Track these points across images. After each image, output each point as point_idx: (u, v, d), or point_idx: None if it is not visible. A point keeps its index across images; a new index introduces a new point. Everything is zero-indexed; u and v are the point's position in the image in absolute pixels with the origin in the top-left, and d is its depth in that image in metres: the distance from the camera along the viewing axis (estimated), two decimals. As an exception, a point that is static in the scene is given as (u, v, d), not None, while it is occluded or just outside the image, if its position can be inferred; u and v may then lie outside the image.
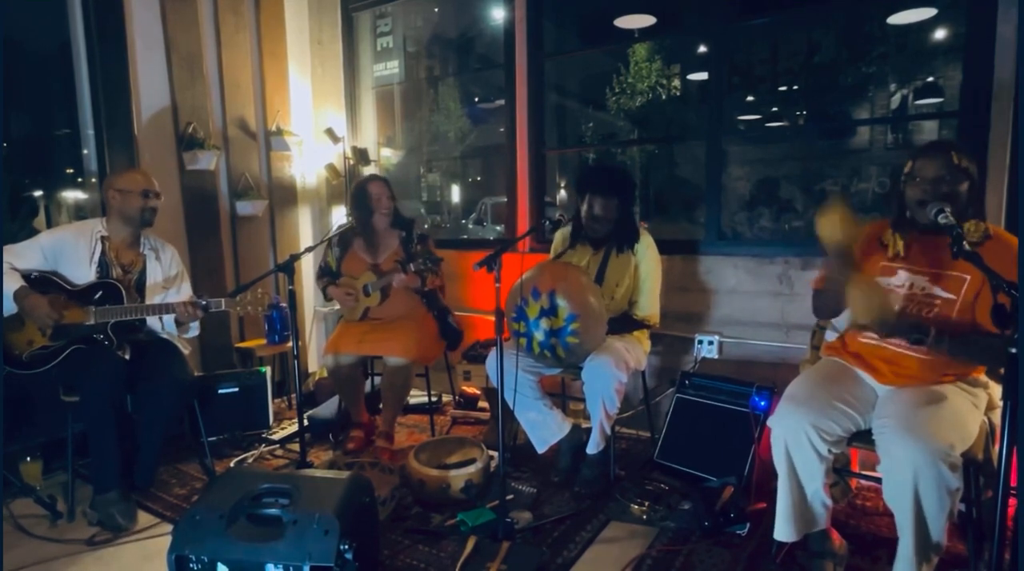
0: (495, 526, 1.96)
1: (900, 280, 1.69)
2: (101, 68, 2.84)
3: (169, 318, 2.34)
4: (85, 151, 2.95)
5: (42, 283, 2.20)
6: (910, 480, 1.43)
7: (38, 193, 3.12)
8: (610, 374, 2.17)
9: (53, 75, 3.02)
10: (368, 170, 3.88)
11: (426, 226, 2.89)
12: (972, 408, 1.62)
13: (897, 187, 1.72)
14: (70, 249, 2.27)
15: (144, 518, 2.19)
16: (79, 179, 3.07)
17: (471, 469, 2.23)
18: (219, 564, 1.52)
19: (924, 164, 1.60)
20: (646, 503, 2.17)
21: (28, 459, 2.39)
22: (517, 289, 2.25)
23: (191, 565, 1.53)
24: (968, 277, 1.59)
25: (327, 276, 2.89)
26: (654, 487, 2.32)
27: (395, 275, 2.61)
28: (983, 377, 1.72)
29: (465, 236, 6.51)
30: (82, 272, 2.27)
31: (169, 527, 2.09)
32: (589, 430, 2.33)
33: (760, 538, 1.92)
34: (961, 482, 1.44)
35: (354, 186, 2.91)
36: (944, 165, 1.57)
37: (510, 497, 2.21)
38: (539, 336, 2.22)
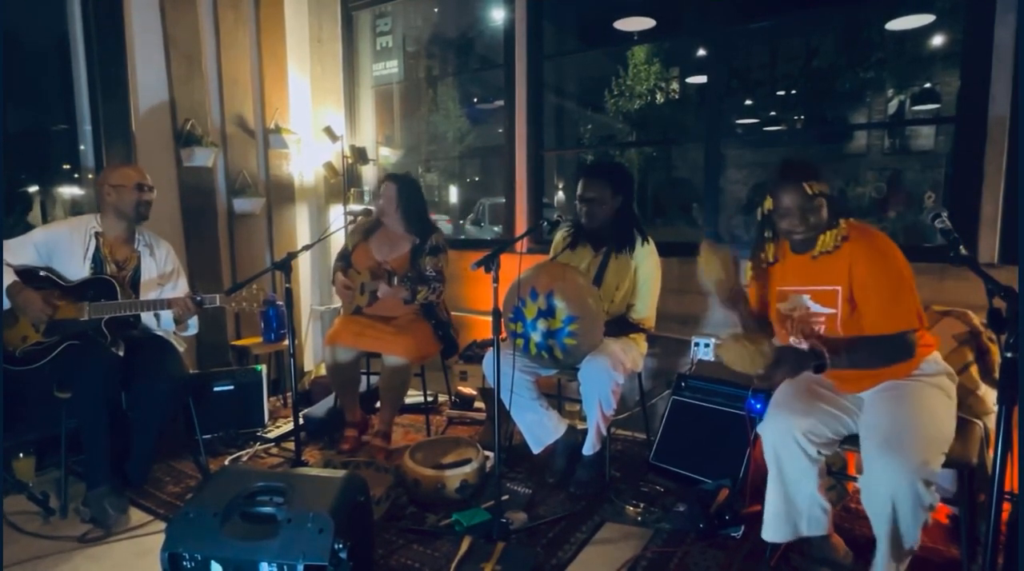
0: (490, 526, 1.95)
1: (791, 305, 1.75)
2: (99, 63, 2.83)
3: (168, 316, 2.32)
4: (82, 147, 2.94)
5: (36, 279, 2.19)
6: (888, 497, 1.46)
7: (34, 188, 3.11)
8: (607, 376, 2.17)
9: (50, 69, 3.01)
10: (366, 170, 3.89)
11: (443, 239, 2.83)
12: (946, 402, 1.63)
13: (759, 219, 1.79)
14: (64, 245, 2.26)
15: (137, 515, 2.18)
16: (75, 175, 3.06)
17: (467, 469, 2.23)
18: (213, 562, 1.52)
19: (785, 199, 1.65)
20: (641, 505, 2.17)
21: (21, 455, 2.37)
22: (514, 289, 2.25)
23: (184, 563, 1.53)
24: (839, 288, 1.65)
25: (343, 260, 2.88)
26: (649, 489, 2.32)
27: (380, 284, 2.58)
28: (941, 364, 1.71)
29: (463, 236, 6.51)
30: (76, 268, 2.26)
31: (162, 525, 2.08)
32: (585, 431, 2.34)
33: (755, 540, 1.92)
34: (936, 498, 1.47)
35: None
36: (802, 197, 1.63)
37: (505, 498, 2.20)
38: (536, 337, 2.22)
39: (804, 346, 1.65)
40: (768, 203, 1.70)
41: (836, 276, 1.65)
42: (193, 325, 2.41)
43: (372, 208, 2.90)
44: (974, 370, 1.80)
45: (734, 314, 1.88)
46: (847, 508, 2.15)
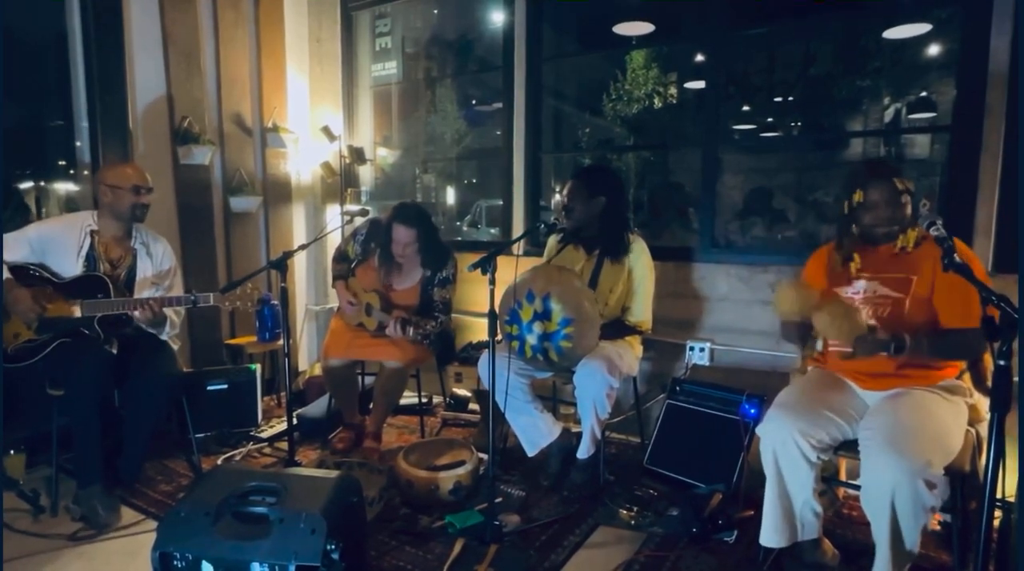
0: (483, 529, 1.95)
1: (857, 288, 1.79)
2: (97, 60, 2.82)
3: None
4: (78, 143, 2.93)
5: (28, 276, 2.17)
6: (888, 494, 1.47)
7: (28, 184, 3.09)
8: (602, 379, 2.17)
9: (48, 65, 3.00)
10: (364, 170, 3.87)
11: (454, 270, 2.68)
12: (956, 419, 1.64)
13: (845, 211, 1.80)
14: (58, 242, 2.25)
15: (128, 514, 2.17)
16: (71, 171, 3.05)
17: (460, 471, 2.23)
18: (204, 562, 1.51)
19: (875, 194, 1.71)
20: (635, 508, 2.17)
21: (11, 453, 2.36)
22: (511, 292, 2.25)
23: (175, 562, 1.52)
24: (914, 277, 1.71)
25: (343, 263, 2.82)
26: (643, 492, 2.32)
27: (394, 325, 2.49)
28: (964, 384, 1.75)
29: (459, 237, 6.52)
30: (69, 265, 2.24)
31: (154, 524, 2.07)
32: (579, 434, 2.34)
33: (747, 545, 1.92)
34: (938, 500, 1.48)
35: (385, 219, 2.66)
36: (892, 192, 1.70)
37: (499, 500, 2.20)
38: (532, 340, 2.22)
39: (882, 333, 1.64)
40: (858, 196, 1.74)
41: (916, 268, 1.69)
42: (167, 330, 2.36)
43: (368, 209, 2.87)
44: (967, 378, 1.81)
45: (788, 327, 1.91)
46: (839, 514, 2.15)
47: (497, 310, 1.96)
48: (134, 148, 2.92)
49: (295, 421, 2.59)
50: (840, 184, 1.84)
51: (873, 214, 1.73)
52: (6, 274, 2.11)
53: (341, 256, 2.86)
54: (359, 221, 2.90)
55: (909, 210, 1.72)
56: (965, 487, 1.64)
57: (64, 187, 3.15)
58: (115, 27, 2.83)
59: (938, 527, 1.96)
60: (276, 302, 3.16)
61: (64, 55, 2.87)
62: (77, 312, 2.17)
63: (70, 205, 3.04)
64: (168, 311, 2.30)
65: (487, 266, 1.90)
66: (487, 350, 2.06)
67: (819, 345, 2.06)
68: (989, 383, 1.78)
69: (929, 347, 1.61)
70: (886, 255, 1.77)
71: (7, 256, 2.16)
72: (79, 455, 2.14)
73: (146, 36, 2.96)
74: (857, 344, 1.60)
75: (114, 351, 2.24)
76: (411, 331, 2.47)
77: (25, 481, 2.31)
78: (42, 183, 3.14)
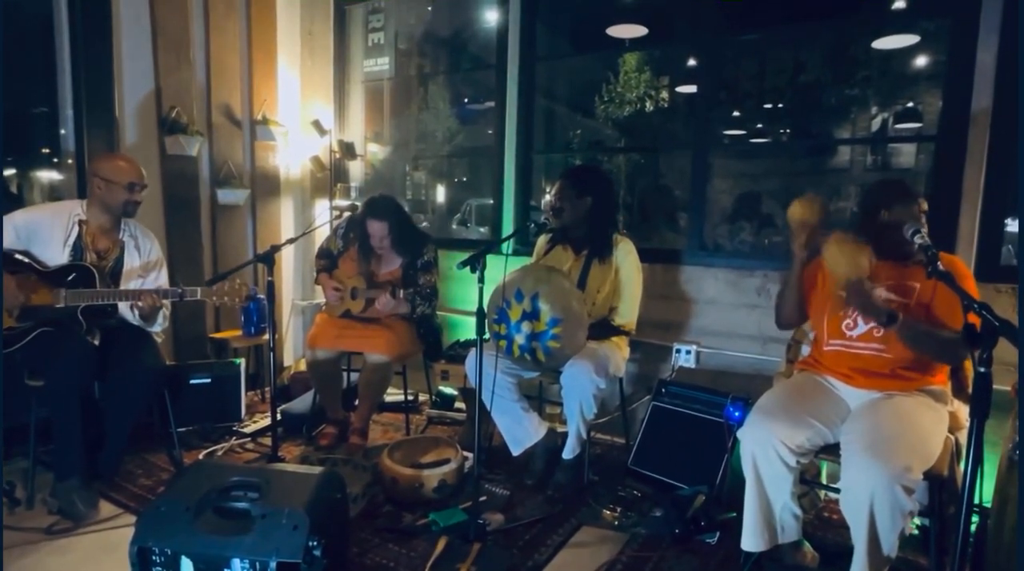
0: (467, 527, 1.95)
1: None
2: (84, 46, 2.78)
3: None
4: (63, 131, 2.88)
5: (12, 262, 2.14)
6: (867, 499, 1.48)
7: (10, 171, 3.03)
8: (589, 380, 2.18)
9: (33, 51, 2.94)
10: (354, 165, 3.85)
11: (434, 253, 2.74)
12: (937, 426, 1.66)
13: (872, 222, 1.80)
14: (45, 230, 2.21)
15: (107, 508, 2.14)
16: (55, 159, 2.99)
17: (445, 469, 2.22)
18: (183, 557, 1.49)
19: (901, 212, 1.73)
20: (618, 509, 2.18)
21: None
22: (499, 291, 2.25)
23: (154, 557, 1.50)
24: (917, 286, 1.74)
25: (326, 259, 2.84)
26: (627, 493, 2.33)
27: (382, 295, 2.54)
28: (947, 392, 1.77)
29: (449, 235, 6.51)
30: (55, 254, 2.21)
31: (133, 518, 2.04)
32: (564, 434, 2.34)
33: (729, 547, 1.94)
34: (915, 505, 1.49)
35: (358, 213, 2.72)
36: (914, 214, 1.74)
37: (483, 498, 2.20)
38: (519, 339, 2.22)
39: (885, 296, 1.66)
40: (886, 215, 1.76)
41: (921, 278, 1.70)
42: (159, 323, 2.34)
43: (357, 205, 2.87)
44: (947, 385, 1.84)
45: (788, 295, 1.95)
46: (820, 517, 2.18)
47: (485, 309, 1.96)
48: (120, 137, 2.88)
49: (279, 416, 2.58)
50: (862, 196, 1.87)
51: (899, 232, 1.69)
52: None
53: (324, 253, 2.87)
54: (347, 217, 2.89)
55: (926, 230, 1.72)
56: (943, 492, 1.66)
57: (48, 175, 3.09)
58: (103, 13, 2.79)
59: (915, 531, 1.99)
60: (262, 296, 3.14)
61: (50, 41, 2.82)
62: (61, 301, 2.14)
63: (54, 193, 2.99)
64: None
65: (476, 265, 1.89)
66: (474, 348, 2.06)
67: (805, 349, 2.08)
68: (970, 391, 1.82)
69: (918, 335, 1.61)
70: (898, 266, 1.77)
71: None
72: (58, 447, 2.10)
73: (135, 24, 2.92)
74: (851, 288, 1.60)
75: (96, 342, 2.21)
76: (401, 293, 2.50)
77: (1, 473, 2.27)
78: (24, 170, 3.08)
